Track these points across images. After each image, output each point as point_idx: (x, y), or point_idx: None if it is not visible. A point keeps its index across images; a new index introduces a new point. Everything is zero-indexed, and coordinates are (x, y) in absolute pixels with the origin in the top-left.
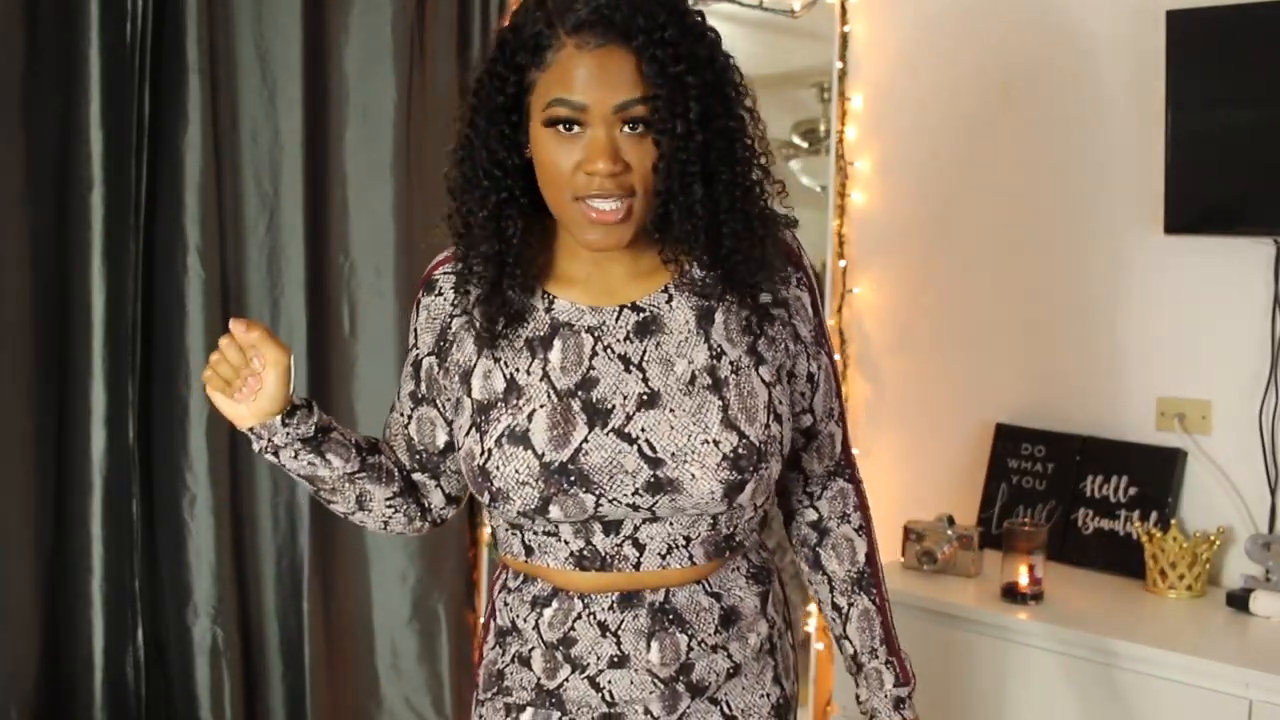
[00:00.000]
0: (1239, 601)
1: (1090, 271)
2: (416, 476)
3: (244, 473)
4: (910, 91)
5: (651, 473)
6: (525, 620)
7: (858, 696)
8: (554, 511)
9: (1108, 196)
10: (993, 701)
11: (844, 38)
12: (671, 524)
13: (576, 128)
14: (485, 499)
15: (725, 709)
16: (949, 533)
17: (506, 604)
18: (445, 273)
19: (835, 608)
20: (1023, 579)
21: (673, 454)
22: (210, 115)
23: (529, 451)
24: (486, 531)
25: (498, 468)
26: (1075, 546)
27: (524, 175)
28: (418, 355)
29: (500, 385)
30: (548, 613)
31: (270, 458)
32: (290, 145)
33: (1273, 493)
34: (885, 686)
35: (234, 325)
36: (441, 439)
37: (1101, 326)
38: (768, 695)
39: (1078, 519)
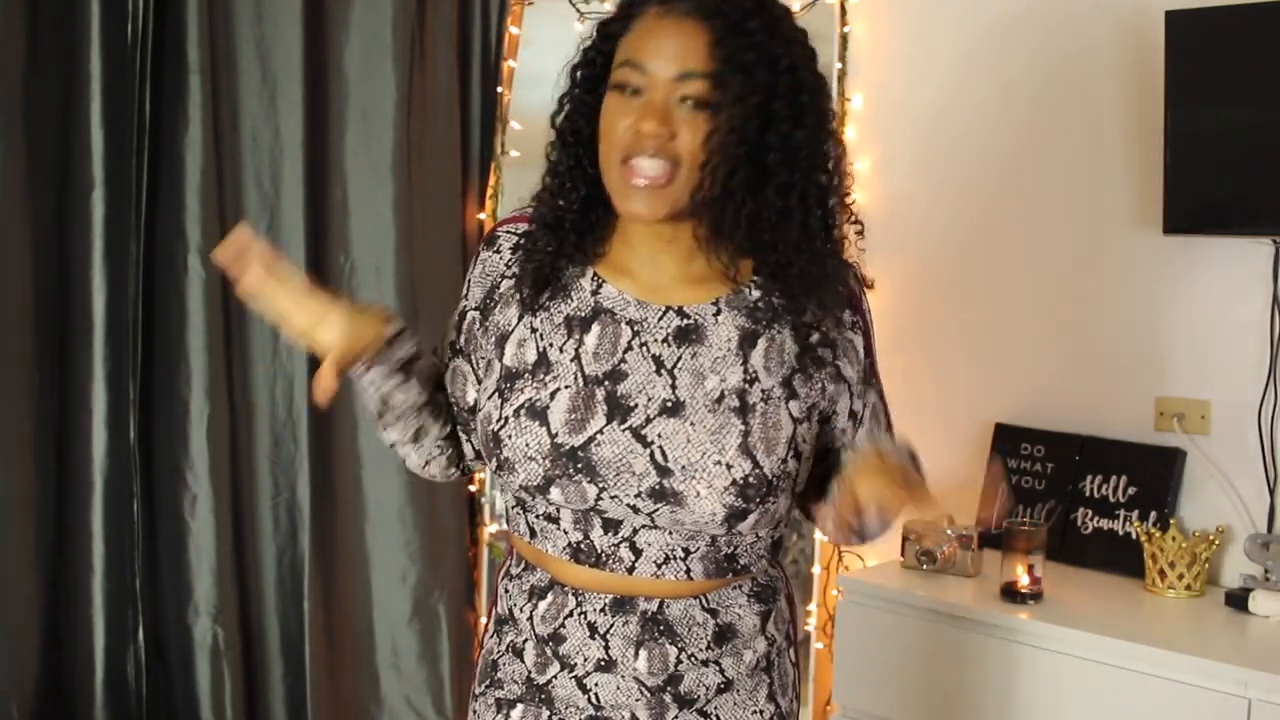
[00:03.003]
0: (1238, 601)
1: (1089, 272)
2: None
3: (244, 472)
4: (910, 92)
5: (658, 480)
6: (521, 610)
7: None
8: (554, 493)
9: (1107, 197)
10: (992, 701)
11: (844, 38)
12: (671, 534)
13: (639, 94)
14: (493, 465)
15: None
16: (948, 532)
17: (507, 590)
18: (508, 231)
19: (838, 480)
20: (1022, 579)
21: (683, 467)
22: (211, 116)
23: (544, 428)
24: (487, 531)
25: (510, 437)
26: (1074, 546)
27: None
28: (465, 307)
29: (531, 356)
30: (542, 605)
31: (360, 379)
32: (290, 146)
33: (1271, 492)
34: (862, 450)
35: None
36: (471, 396)
37: (1101, 326)
38: (761, 712)
39: (1077, 519)
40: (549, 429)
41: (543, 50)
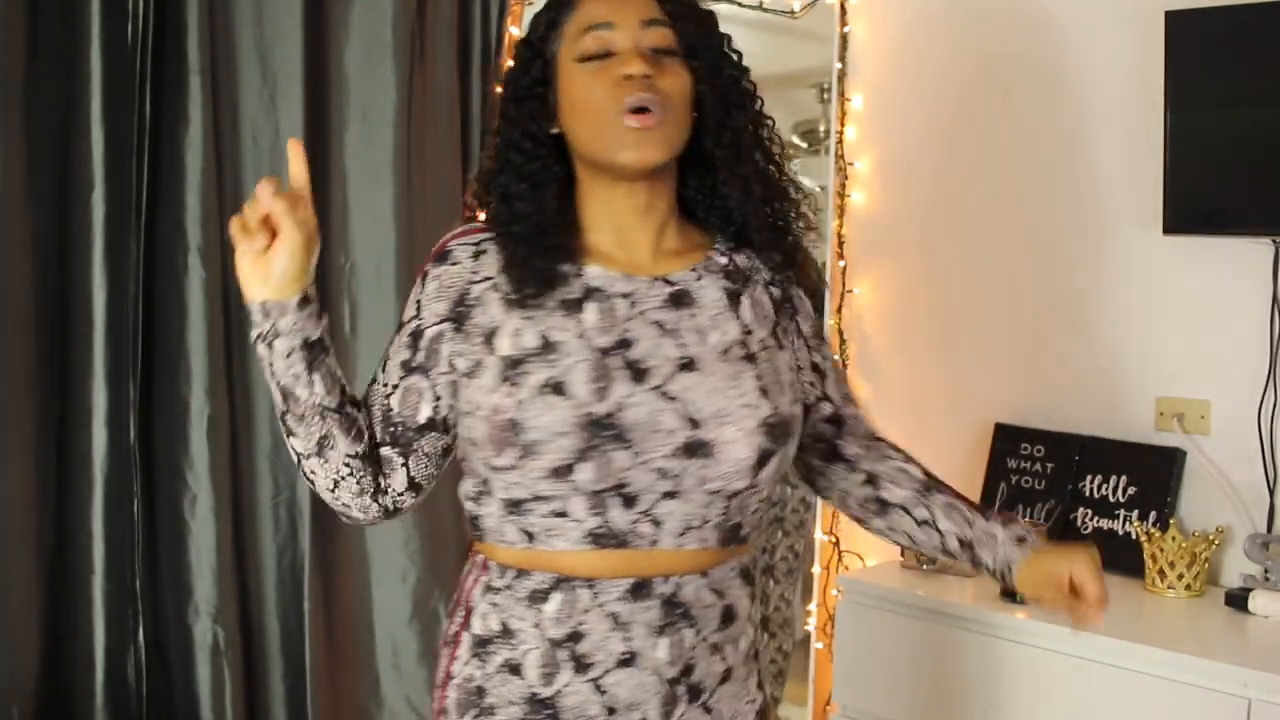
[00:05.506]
0: (1238, 601)
1: (1089, 272)
2: (384, 451)
3: (245, 472)
4: (910, 92)
5: (689, 434)
6: (522, 619)
7: (989, 565)
8: (580, 472)
9: (1107, 197)
10: (991, 701)
11: (844, 38)
12: (689, 501)
13: (609, 55)
14: (508, 460)
15: (718, 717)
16: None
17: (495, 605)
18: (461, 244)
19: (921, 524)
20: None
21: (713, 414)
22: (211, 116)
23: (568, 402)
24: None
25: (535, 418)
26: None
27: (553, 150)
28: (419, 325)
29: (533, 341)
30: (550, 607)
31: (262, 349)
32: None
33: (1271, 492)
34: (999, 538)
35: (261, 186)
36: (424, 414)
37: (1101, 326)
38: (753, 701)
39: (1077, 518)
40: (574, 401)
41: None
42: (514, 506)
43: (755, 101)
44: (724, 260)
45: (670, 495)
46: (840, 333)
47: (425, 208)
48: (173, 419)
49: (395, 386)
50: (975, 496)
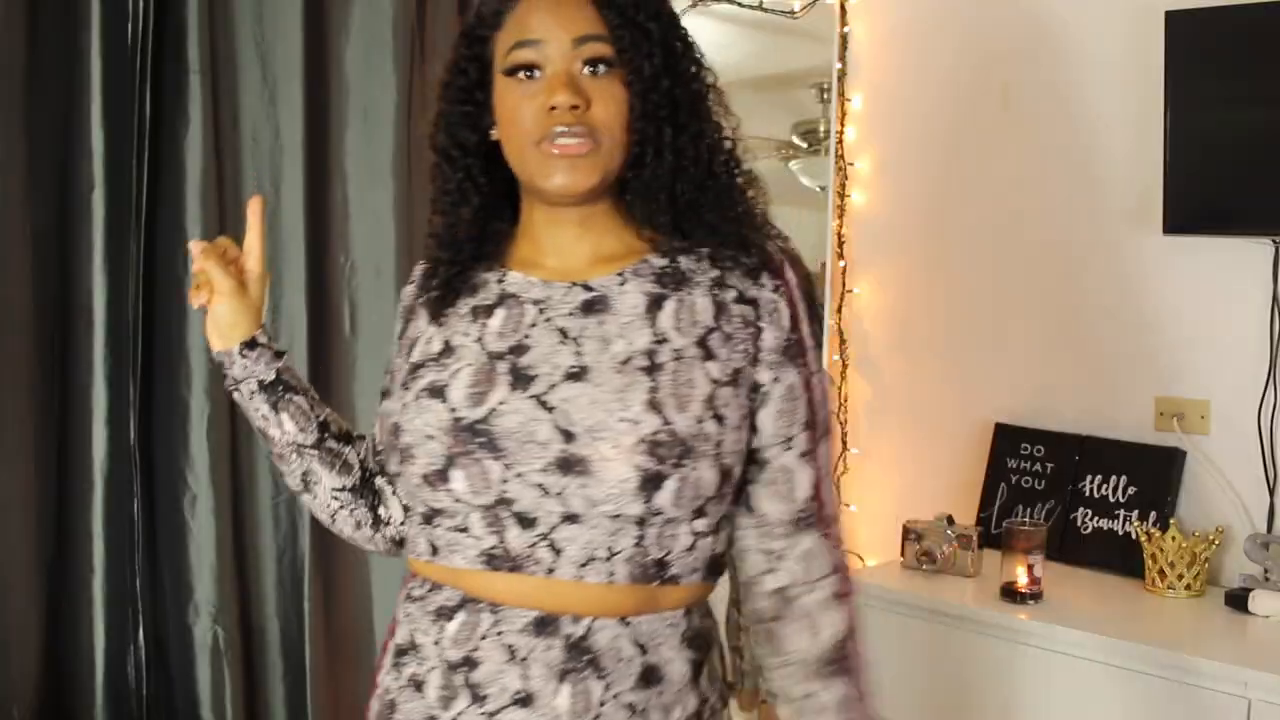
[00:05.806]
0: (1238, 601)
1: (1089, 271)
2: (377, 481)
3: (245, 473)
4: (910, 92)
5: (563, 447)
6: (426, 634)
7: None
8: (456, 480)
9: (1106, 197)
10: (992, 701)
11: (844, 38)
12: (593, 527)
13: (537, 72)
14: (395, 464)
15: None
16: (948, 532)
17: (408, 615)
18: (421, 264)
19: (790, 701)
20: (1022, 579)
21: (588, 428)
22: (211, 116)
23: (443, 405)
24: None
25: (410, 421)
26: (1074, 546)
27: (486, 158)
28: (393, 351)
29: (437, 348)
30: (452, 626)
31: (235, 396)
32: (291, 146)
33: (1271, 492)
34: None
35: (191, 245)
36: None
37: (1100, 326)
38: None
39: (1077, 518)
40: (448, 405)
41: None
42: (426, 519)
43: (698, 112)
44: (663, 262)
45: (571, 520)
46: (840, 333)
47: (425, 208)
48: (173, 419)
49: (379, 415)
50: (975, 498)
